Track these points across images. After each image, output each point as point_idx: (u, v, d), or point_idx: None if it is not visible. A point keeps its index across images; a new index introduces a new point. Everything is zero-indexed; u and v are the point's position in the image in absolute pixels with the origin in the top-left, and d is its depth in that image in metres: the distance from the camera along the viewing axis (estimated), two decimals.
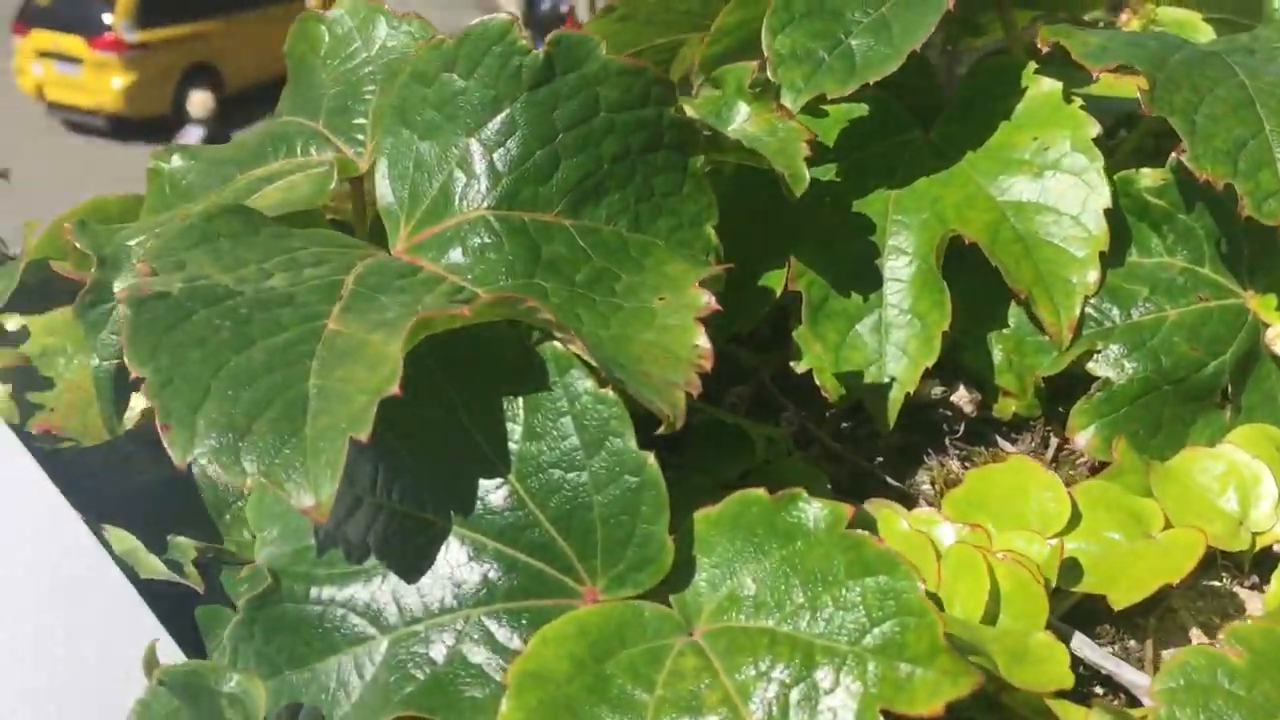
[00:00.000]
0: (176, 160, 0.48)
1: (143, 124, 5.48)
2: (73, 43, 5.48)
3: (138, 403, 0.44)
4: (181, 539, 0.37)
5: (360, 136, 0.44)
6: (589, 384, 0.31)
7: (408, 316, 0.33)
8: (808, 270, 0.49)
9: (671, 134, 0.39)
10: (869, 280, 0.49)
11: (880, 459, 0.49)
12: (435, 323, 0.31)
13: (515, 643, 0.30)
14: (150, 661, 0.30)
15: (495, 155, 0.37)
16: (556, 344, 0.32)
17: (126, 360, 0.31)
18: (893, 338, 0.48)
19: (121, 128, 5.54)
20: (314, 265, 0.36)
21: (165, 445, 0.30)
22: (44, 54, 5.58)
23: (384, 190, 0.38)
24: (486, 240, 0.36)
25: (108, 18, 5.49)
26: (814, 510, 0.30)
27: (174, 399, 0.30)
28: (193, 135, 5.56)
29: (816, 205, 0.49)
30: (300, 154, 0.44)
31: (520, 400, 0.32)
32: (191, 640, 0.36)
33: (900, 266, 0.49)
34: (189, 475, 0.42)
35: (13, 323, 0.48)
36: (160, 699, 0.30)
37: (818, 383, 0.47)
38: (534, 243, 0.36)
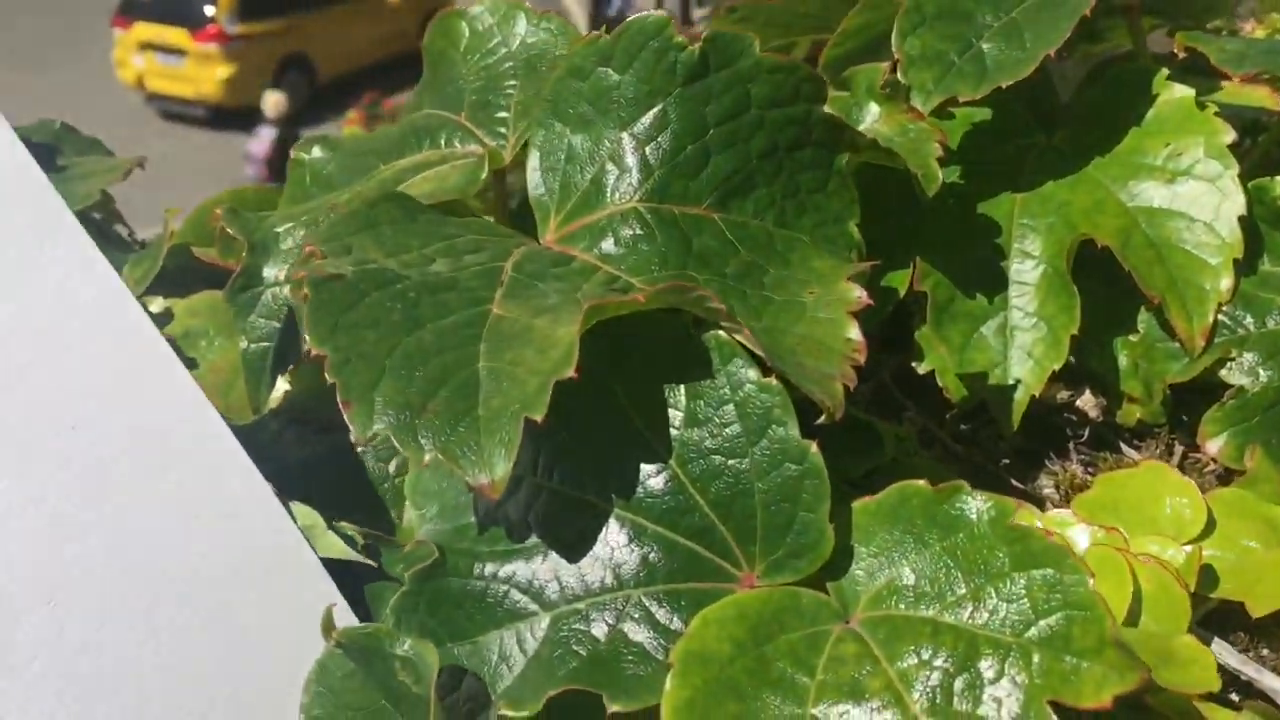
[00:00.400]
0: (317, 152, 0.50)
1: (239, 113, 5.74)
2: (177, 35, 5.81)
3: (282, 384, 0.46)
4: (346, 524, 0.39)
5: (502, 130, 0.45)
6: (753, 373, 0.32)
7: (571, 303, 0.34)
8: (934, 271, 0.49)
9: (819, 131, 0.39)
10: (994, 282, 0.49)
11: (1005, 461, 0.49)
12: (608, 309, 0.31)
13: (675, 623, 0.31)
14: (328, 625, 0.31)
15: (647, 149, 0.38)
16: (720, 333, 0.32)
17: (308, 338, 0.32)
18: (1018, 341, 0.48)
19: (220, 117, 5.81)
20: (473, 252, 0.37)
21: (347, 420, 0.31)
22: (146, 46, 5.89)
23: (535, 181, 0.39)
24: (638, 232, 0.37)
25: (210, 11, 5.80)
26: (977, 504, 0.30)
27: (352, 377, 0.31)
28: (265, 135, 5.67)
29: (940, 207, 0.50)
30: (444, 146, 0.45)
31: (681, 388, 0.33)
32: (361, 618, 0.37)
33: (1026, 270, 0.49)
34: (336, 454, 0.44)
35: (156, 305, 0.50)
36: (337, 661, 0.32)
37: (940, 383, 0.48)
38: (685, 235, 0.37)
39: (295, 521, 0.37)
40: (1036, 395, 0.47)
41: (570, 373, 0.30)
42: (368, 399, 0.31)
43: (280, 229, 0.45)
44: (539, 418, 0.29)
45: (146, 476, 0.36)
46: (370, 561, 0.38)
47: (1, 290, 0.37)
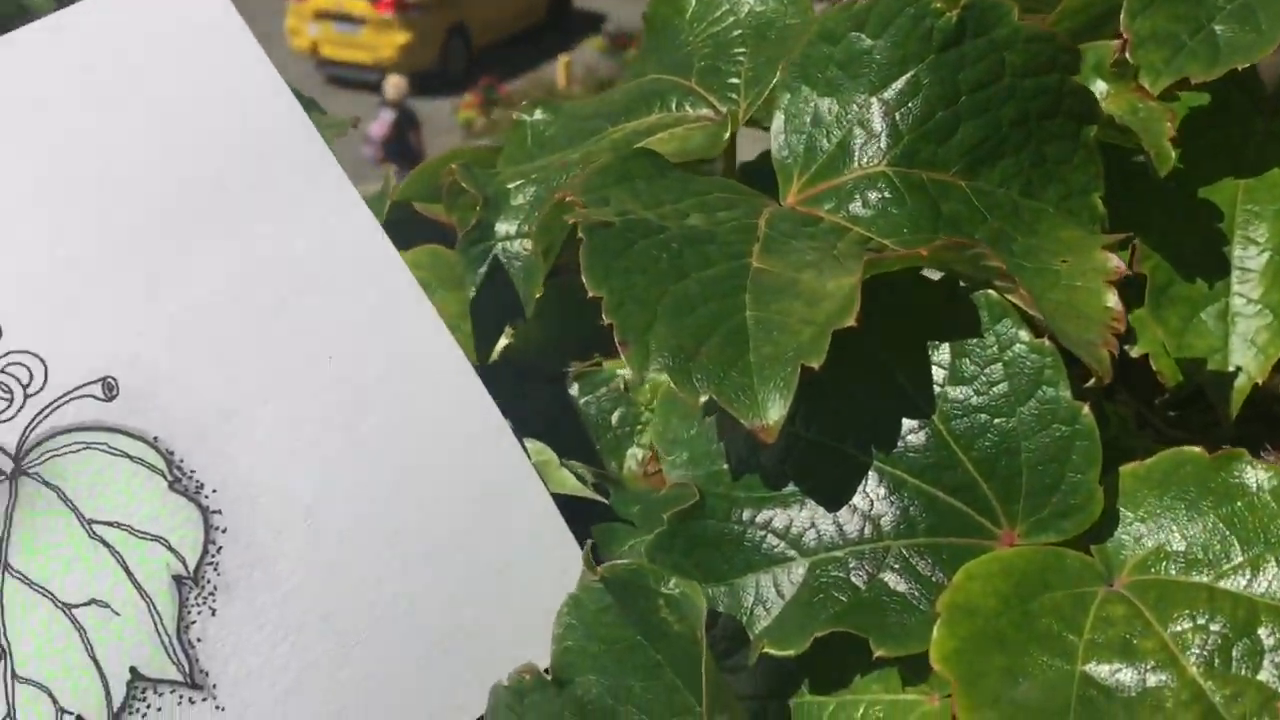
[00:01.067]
0: (539, 114, 0.51)
1: (411, 78, 6.12)
2: (356, 3, 6.25)
3: (505, 335, 0.48)
4: (575, 462, 0.40)
5: (733, 95, 0.45)
6: (1024, 333, 0.32)
7: (830, 259, 0.34)
8: (1153, 254, 0.48)
9: (1070, 102, 0.39)
10: (1216, 267, 0.48)
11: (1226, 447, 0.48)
12: (886, 263, 0.32)
13: (937, 576, 0.31)
14: (589, 560, 0.32)
15: (897, 114, 0.38)
16: (990, 292, 0.33)
17: (585, 281, 0.33)
18: (1239, 328, 0.47)
19: (426, 80, 6.22)
20: (726, 209, 0.37)
21: (624, 359, 0.32)
22: (322, 15, 6.35)
23: (779, 144, 0.40)
24: (887, 195, 0.37)
25: None
26: (1258, 473, 0.30)
27: (627, 319, 0.32)
28: (385, 118, 5.81)
29: (1161, 189, 0.49)
30: (674, 110, 0.46)
31: (946, 345, 0.33)
32: None
33: (1250, 256, 0.48)
34: (557, 405, 0.45)
35: None
36: (593, 595, 0.33)
37: (1154, 367, 0.47)
38: (934, 201, 0.37)
39: (529, 457, 0.39)
40: (1260, 384, 0.46)
41: (850, 322, 0.30)
42: (643, 341, 0.32)
43: (511, 185, 0.47)
44: (817, 365, 0.30)
45: (396, 408, 0.38)
46: (602, 498, 0.39)
47: (266, 227, 0.38)
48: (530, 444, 0.40)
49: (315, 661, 0.35)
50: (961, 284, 0.34)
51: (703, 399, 0.31)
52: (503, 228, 0.46)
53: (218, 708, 0.34)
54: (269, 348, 0.37)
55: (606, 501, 0.39)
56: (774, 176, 0.40)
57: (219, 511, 0.35)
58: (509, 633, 0.37)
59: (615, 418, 0.44)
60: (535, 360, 0.47)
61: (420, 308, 0.39)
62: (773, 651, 0.31)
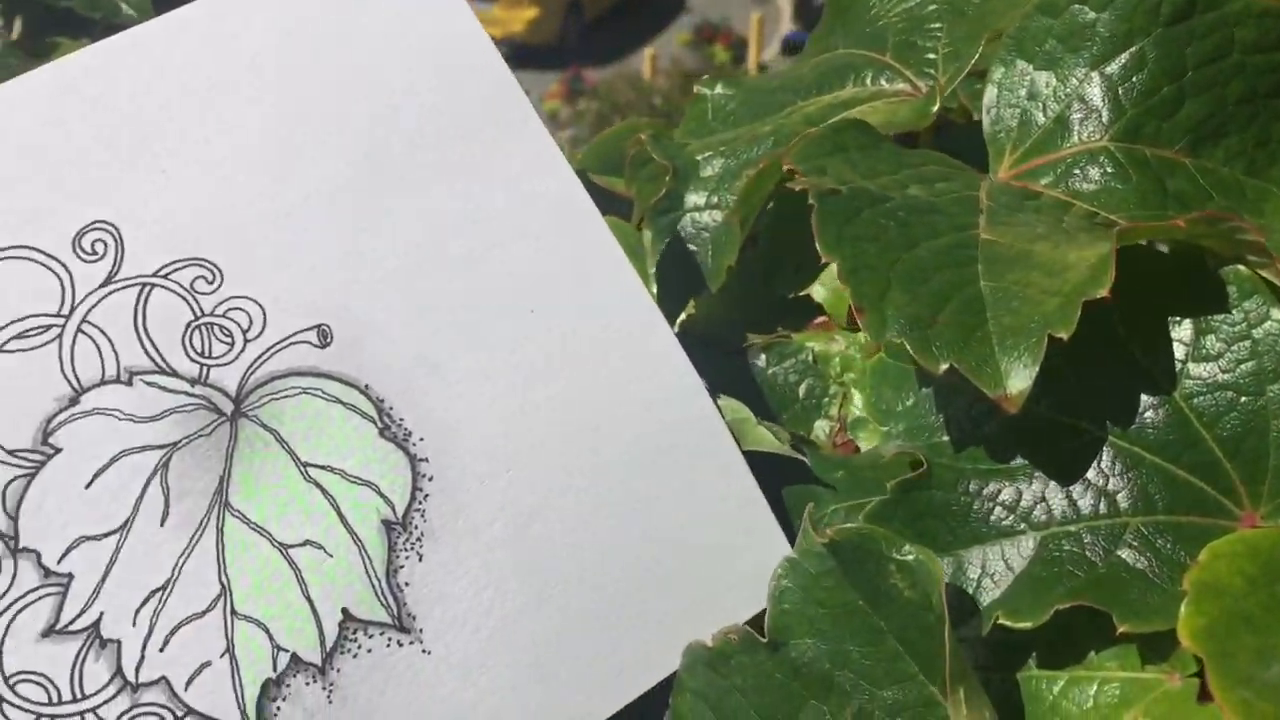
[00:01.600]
0: (720, 89, 0.51)
1: (535, 52, 6.34)
2: None
3: (688, 308, 0.48)
4: (770, 423, 0.40)
5: (930, 70, 0.45)
6: (1276, 310, 0.31)
7: (1058, 231, 0.34)
8: None
9: None
10: None
11: None
12: (1139, 233, 0.31)
13: (1179, 554, 0.31)
14: (813, 521, 0.32)
15: (1120, 89, 0.38)
16: (1241, 268, 0.32)
17: (818, 246, 0.33)
18: None
19: (520, 55, 6.43)
20: (941, 181, 0.37)
21: (861, 325, 0.32)
22: None
23: (991, 117, 0.39)
24: (1110, 171, 0.37)
25: None
26: None
27: (862, 285, 0.32)
28: None
29: None
30: (869, 84, 0.46)
31: (1188, 321, 0.32)
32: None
33: None
34: (740, 376, 0.45)
35: None
36: (813, 558, 0.33)
37: None
38: (1158, 177, 0.37)
39: (724, 416, 0.39)
40: None
41: (1103, 292, 0.30)
42: (879, 308, 0.32)
43: (699, 157, 0.47)
44: (1066, 335, 0.30)
45: (592, 360, 0.38)
46: (802, 457, 0.39)
47: (469, 180, 0.39)
48: (726, 402, 0.40)
49: (514, 611, 0.35)
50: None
51: (942, 367, 0.31)
52: (692, 199, 0.46)
53: (424, 651, 0.34)
54: (471, 299, 0.37)
55: (805, 459, 0.38)
56: (961, 153, 0.40)
57: (426, 459, 0.36)
58: (696, 592, 0.37)
59: (802, 390, 0.44)
60: (715, 332, 0.47)
61: (619, 263, 0.39)
62: (1008, 623, 0.31)
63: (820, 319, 0.45)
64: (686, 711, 0.35)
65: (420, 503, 0.35)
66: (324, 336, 0.36)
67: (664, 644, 0.36)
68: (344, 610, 0.34)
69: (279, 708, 0.33)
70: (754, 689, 0.34)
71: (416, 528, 0.35)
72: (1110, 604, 0.30)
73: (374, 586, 0.35)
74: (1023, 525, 0.32)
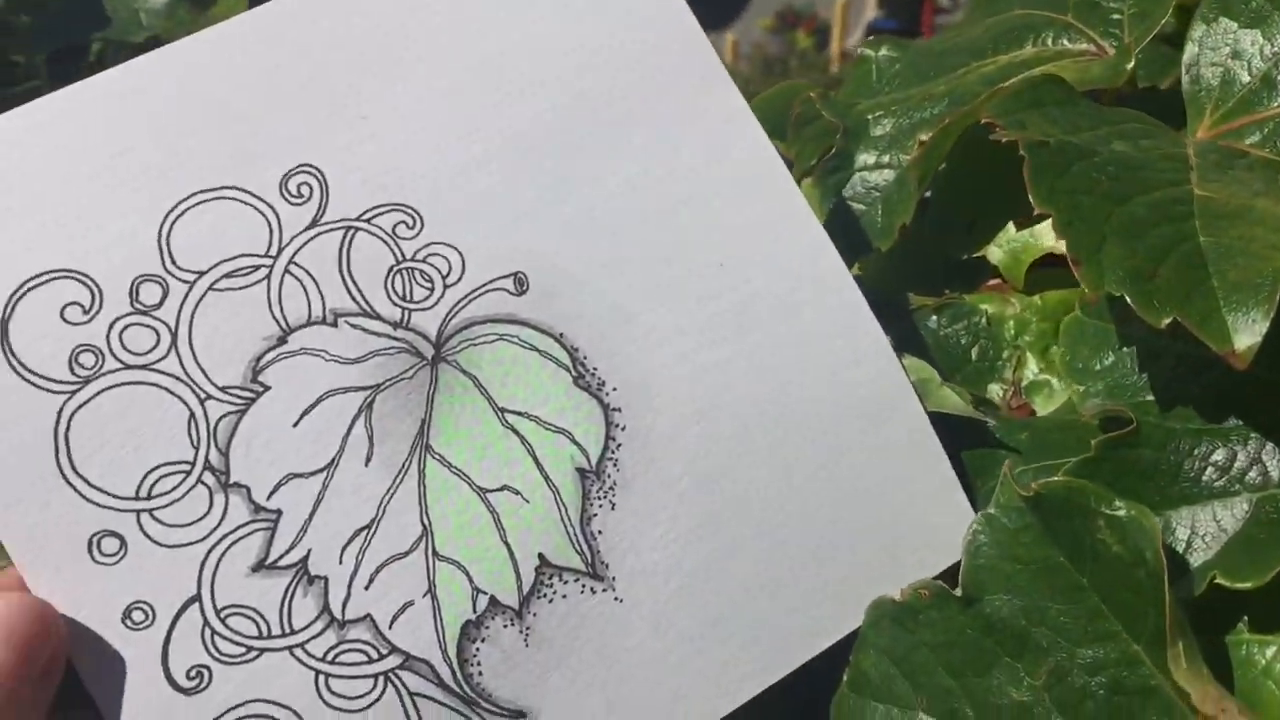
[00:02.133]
0: (885, 51, 0.51)
1: None
2: None
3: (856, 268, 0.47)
4: (953, 384, 0.39)
5: (1115, 30, 0.44)
6: None
7: (1277, 188, 0.33)
8: None
9: None
10: None
11: None
12: None
13: None
14: (1011, 478, 0.32)
15: None
16: None
17: (1031, 197, 0.33)
18: None
19: None
20: (1144, 138, 0.36)
21: (1078, 277, 0.31)
22: None
23: (1191, 76, 0.38)
24: None
25: None
26: None
27: (1077, 237, 0.32)
28: None
29: None
30: (1051, 44, 0.45)
31: None
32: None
33: None
34: (905, 335, 0.45)
35: None
36: (1011, 514, 0.32)
37: None
38: None
39: (908, 376, 0.38)
40: None
41: None
42: (1095, 260, 0.32)
43: (870, 116, 0.46)
44: None
45: (781, 318, 0.37)
46: (986, 418, 0.38)
47: (662, 135, 0.38)
48: (911, 362, 0.39)
49: (703, 563, 0.35)
50: None
51: (1165, 321, 0.30)
52: (862, 158, 0.46)
53: (616, 600, 0.35)
54: (664, 252, 0.37)
55: (986, 421, 0.38)
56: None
57: (619, 409, 0.36)
58: (878, 552, 0.37)
59: (975, 352, 0.43)
60: (881, 294, 0.47)
61: (808, 221, 0.39)
62: (1225, 583, 0.30)
63: (994, 281, 0.44)
64: (870, 667, 0.35)
65: (613, 452, 0.36)
66: (520, 284, 0.36)
67: (845, 602, 0.36)
68: (540, 556, 0.35)
69: (478, 649, 0.34)
70: (944, 644, 0.34)
71: (609, 477, 0.36)
72: None
73: (569, 533, 0.35)
74: (1236, 487, 0.32)
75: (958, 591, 0.33)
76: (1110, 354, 0.35)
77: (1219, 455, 0.32)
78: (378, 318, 0.35)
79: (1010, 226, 0.43)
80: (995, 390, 0.43)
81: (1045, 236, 0.43)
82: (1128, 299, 0.31)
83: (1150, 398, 0.34)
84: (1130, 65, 0.41)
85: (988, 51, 0.46)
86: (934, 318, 0.44)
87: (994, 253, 0.44)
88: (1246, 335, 0.29)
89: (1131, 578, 0.31)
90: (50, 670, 0.31)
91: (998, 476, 0.36)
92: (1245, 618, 0.31)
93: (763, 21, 7.68)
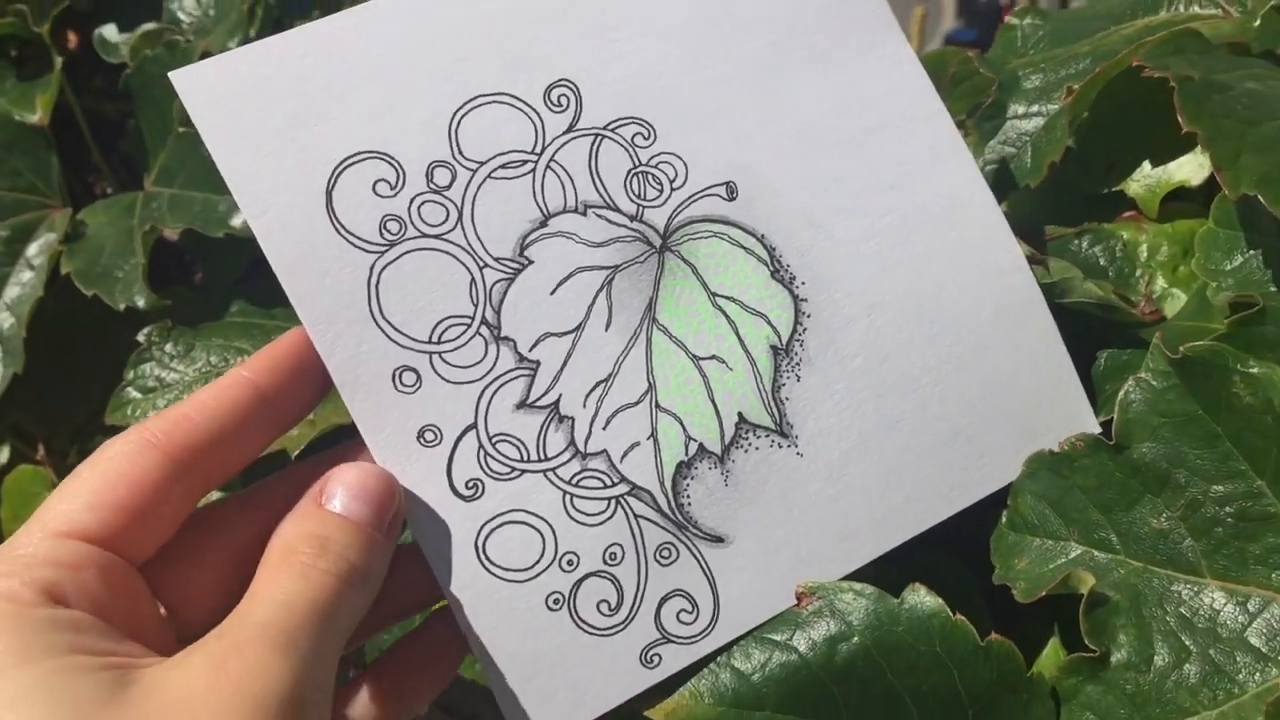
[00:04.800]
0: (1030, 20, 0.58)
1: None
2: None
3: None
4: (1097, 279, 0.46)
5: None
6: None
7: None
8: None
9: None
10: None
11: None
12: None
13: None
14: (1159, 346, 0.39)
15: None
16: None
17: (1181, 119, 0.40)
18: None
19: None
20: (1270, 79, 0.43)
21: (1220, 181, 0.39)
22: None
23: None
24: None
25: None
26: None
27: (1220, 151, 0.39)
28: None
29: None
30: (1183, 9, 0.52)
31: None
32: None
33: None
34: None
35: None
36: (1158, 375, 0.39)
37: None
38: None
39: (1053, 274, 0.45)
40: None
41: None
42: (1235, 168, 0.39)
43: (1020, 73, 0.54)
44: None
45: (938, 232, 0.44)
46: (1126, 304, 0.45)
47: (848, 71, 0.45)
48: (1056, 263, 0.46)
49: (870, 429, 0.42)
50: None
51: None
52: (1015, 107, 0.53)
53: (798, 454, 0.42)
54: (848, 171, 0.44)
55: (1117, 318, 0.45)
56: None
57: (805, 300, 0.43)
58: (1009, 428, 0.43)
59: (1112, 271, 0.50)
60: (1026, 228, 0.54)
61: (963, 154, 0.45)
62: None
63: (1129, 213, 0.51)
64: (1027, 509, 0.42)
65: (800, 334, 0.43)
66: (731, 191, 0.43)
67: (981, 469, 0.43)
68: (739, 414, 0.42)
69: (688, 484, 0.41)
70: (1095, 487, 0.41)
71: (796, 354, 0.43)
72: None
73: (762, 398, 0.42)
74: None
75: (1110, 442, 0.41)
76: (1239, 256, 0.42)
77: None
78: (618, 210, 0.42)
79: (1146, 164, 0.51)
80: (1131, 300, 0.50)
81: (1177, 172, 0.50)
82: (1260, 198, 0.38)
83: (1274, 288, 0.41)
84: (1257, 23, 0.48)
85: (1126, 16, 0.53)
86: (1076, 241, 0.51)
87: (1131, 187, 0.51)
88: None
89: (1260, 423, 0.38)
90: (395, 523, 0.38)
91: (1124, 380, 0.42)
92: None
93: None
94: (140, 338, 0.56)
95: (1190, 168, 0.49)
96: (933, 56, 0.60)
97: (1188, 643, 0.38)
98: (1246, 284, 0.42)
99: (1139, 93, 0.46)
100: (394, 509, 0.38)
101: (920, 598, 0.38)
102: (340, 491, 0.37)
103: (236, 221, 0.57)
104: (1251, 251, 0.42)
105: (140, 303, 0.57)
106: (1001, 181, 0.54)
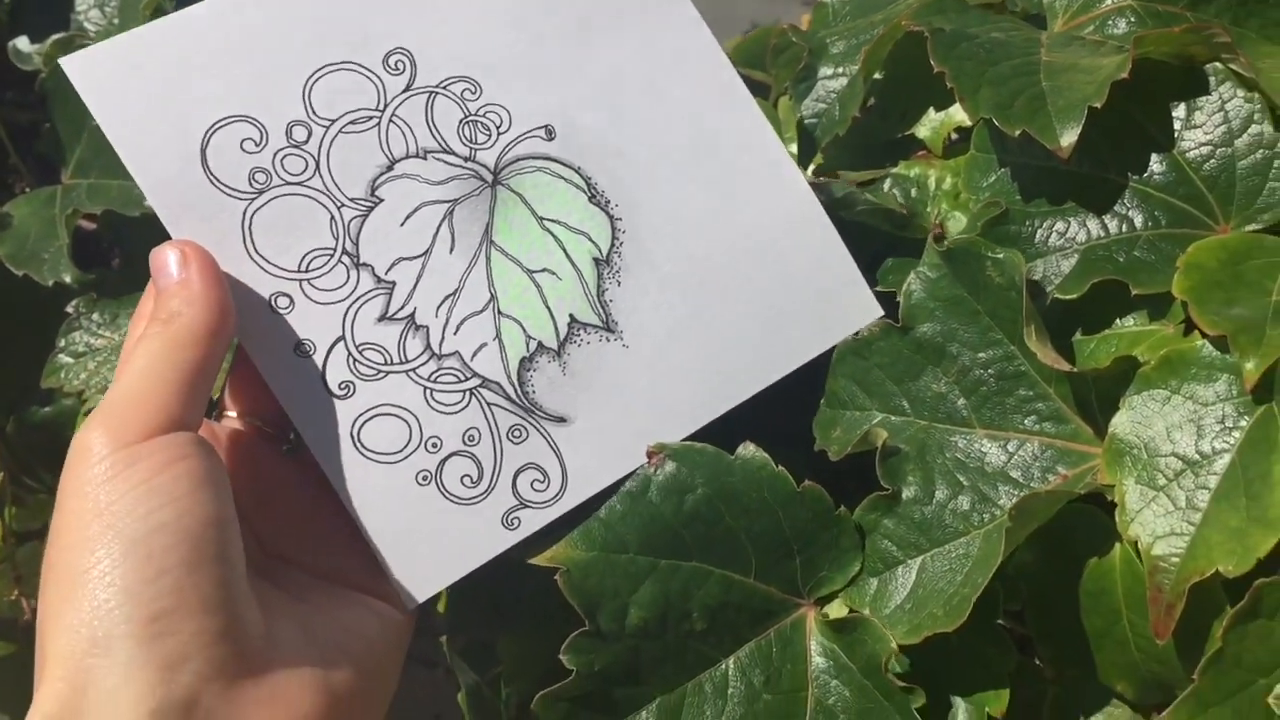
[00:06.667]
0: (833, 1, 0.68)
1: None
2: None
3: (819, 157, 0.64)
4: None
5: None
6: (1241, 90, 0.47)
7: (1096, 48, 0.50)
8: None
9: None
10: None
11: None
12: (1148, 40, 0.48)
13: (1174, 252, 0.47)
14: (933, 242, 0.49)
15: None
16: (1217, 64, 0.48)
17: (932, 60, 0.50)
18: None
19: None
20: (1013, 30, 0.53)
21: (964, 110, 0.48)
22: None
23: None
24: (1132, 20, 0.53)
25: None
26: None
27: (964, 84, 0.49)
28: None
29: None
30: None
31: (1183, 103, 0.48)
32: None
33: None
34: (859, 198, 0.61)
35: None
36: (932, 267, 0.49)
37: None
38: (1166, 24, 0.52)
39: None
40: None
41: (1125, 75, 0.46)
42: (975, 98, 0.49)
43: (827, 40, 0.64)
44: (1099, 104, 0.46)
45: (727, 160, 0.52)
46: (909, 212, 0.54)
47: (641, 33, 0.53)
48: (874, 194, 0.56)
49: (684, 322, 0.50)
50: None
51: (1017, 132, 0.47)
52: (823, 70, 0.63)
53: (624, 346, 0.50)
54: (648, 113, 0.52)
55: (919, 228, 0.55)
56: None
57: (620, 219, 0.51)
58: (804, 318, 0.51)
59: (908, 203, 0.60)
60: (839, 169, 0.64)
61: (744, 95, 0.53)
62: (1059, 296, 0.47)
63: (921, 152, 0.61)
64: (839, 389, 0.51)
65: (617, 247, 0.50)
66: (550, 133, 0.51)
67: (780, 353, 0.51)
68: (570, 315, 0.49)
69: (531, 375, 0.49)
70: (889, 364, 0.50)
71: (615, 264, 0.50)
72: (1127, 276, 0.46)
73: (589, 301, 0.50)
74: (1070, 244, 0.49)
75: (898, 325, 0.50)
76: (993, 174, 0.52)
77: (1059, 226, 0.49)
78: (453, 153, 0.49)
79: (931, 111, 0.60)
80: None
81: (956, 115, 0.60)
82: (995, 120, 0.48)
83: (1018, 196, 0.51)
84: None
85: None
86: (880, 182, 0.60)
87: (920, 131, 0.61)
88: (1069, 135, 0.46)
89: (1008, 299, 0.47)
90: (188, 264, 0.43)
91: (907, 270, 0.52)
92: (1080, 327, 0.48)
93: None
94: (69, 309, 0.62)
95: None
96: (758, 34, 0.70)
97: (962, 480, 0.48)
98: (999, 194, 0.52)
99: (924, 52, 0.56)
100: (183, 258, 0.44)
101: (750, 452, 0.47)
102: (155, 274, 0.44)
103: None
104: (1002, 170, 0.52)
105: (67, 278, 0.63)
106: (817, 133, 0.64)
